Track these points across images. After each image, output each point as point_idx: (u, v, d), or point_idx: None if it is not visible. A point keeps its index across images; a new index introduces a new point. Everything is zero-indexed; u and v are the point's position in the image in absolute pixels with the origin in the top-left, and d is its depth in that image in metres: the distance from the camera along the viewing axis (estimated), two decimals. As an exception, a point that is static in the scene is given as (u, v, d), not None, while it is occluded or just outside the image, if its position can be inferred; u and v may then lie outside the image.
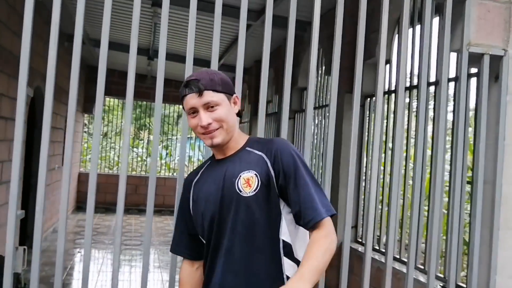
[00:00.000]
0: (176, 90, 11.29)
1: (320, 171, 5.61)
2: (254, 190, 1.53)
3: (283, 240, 1.56)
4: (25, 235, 6.13)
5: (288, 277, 1.55)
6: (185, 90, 1.57)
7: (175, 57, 7.59)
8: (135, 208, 10.41)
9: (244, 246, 1.54)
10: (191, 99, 1.55)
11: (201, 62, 6.67)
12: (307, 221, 1.50)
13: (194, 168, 2.00)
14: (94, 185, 1.97)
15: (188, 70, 2.17)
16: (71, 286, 5.36)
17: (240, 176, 1.55)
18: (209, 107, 1.55)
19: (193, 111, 1.57)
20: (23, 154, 4.48)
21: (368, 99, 4.54)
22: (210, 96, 1.55)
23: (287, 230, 1.56)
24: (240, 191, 1.54)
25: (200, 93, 1.54)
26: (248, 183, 1.55)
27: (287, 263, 1.56)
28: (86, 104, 10.64)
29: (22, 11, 1.93)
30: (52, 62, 1.94)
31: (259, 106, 2.27)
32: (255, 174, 1.55)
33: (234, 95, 1.64)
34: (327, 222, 1.50)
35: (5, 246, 1.86)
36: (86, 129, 12.35)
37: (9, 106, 5.13)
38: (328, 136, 2.28)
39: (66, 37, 7.33)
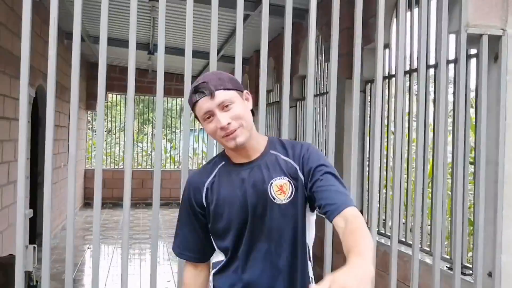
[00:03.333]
0: (178, 84, 11.34)
1: (324, 158, 5.63)
2: (289, 197, 1.52)
3: (307, 244, 1.59)
4: (35, 234, 6.20)
5: (311, 278, 1.60)
6: (195, 96, 1.48)
7: (175, 50, 7.59)
8: (142, 202, 10.49)
9: (281, 252, 1.54)
10: (204, 103, 1.47)
11: (201, 54, 6.67)
12: (334, 204, 1.40)
13: (201, 162, 1.91)
14: (100, 181, 2.00)
15: (188, 62, 2.18)
16: (82, 282, 5.43)
17: (272, 182, 1.52)
18: (224, 106, 1.46)
19: (209, 115, 1.48)
20: (28, 154, 4.52)
21: (369, 84, 4.54)
22: (223, 95, 1.46)
23: (309, 234, 1.59)
24: (274, 198, 1.51)
25: (212, 95, 1.45)
26: (282, 190, 1.52)
27: (310, 266, 1.61)
28: (89, 101, 10.68)
29: (20, 11, 1.94)
30: (53, 61, 1.96)
31: (259, 96, 2.29)
32: (289, 181, 1.52)
33: (245, 91, 1.57)
34: (355, 208, 1.42)
35: (15, 245, 1.89)
36: (90, 126, 12.40)
37: (12, 106, 5.17)
38: (329, 123, 2.30)
39: (65, 35, 7.35)
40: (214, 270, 1.63)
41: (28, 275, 4.86)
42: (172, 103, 12.89)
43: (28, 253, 1.88)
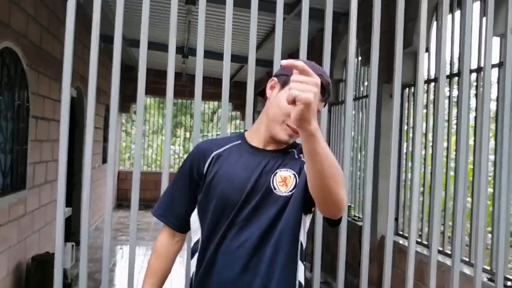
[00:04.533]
0: (210, 87, 11.40)
1: (359, 164, 5.55)
2: (290, 191, 1.46)
3: (301, 242, 1.50)
4: (69, 233, 6.33)
5: (300, 283, 1.50)
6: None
7: (208, 54, 7.64)
8: (173, 205, 10.56)
9: (267, 244, 1.46)
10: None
11: (234, 58, 6.68)
12: None
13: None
14: (138, 182, 2.01)
15: (226, 67, 2.18)
16: (114, 282, 5.49)
17: (276, 172, 1.48)
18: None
19: None
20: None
21: (406, 89, 4.45)
22: (323, 105, 1.50)
23: (303, 232, 1.51)
24: (275, 189, 1.46)
25: (325, 103, 1.50)
26: (285, 182, 1.47)
27: (300, 267, 1.51)
28: (123, 103, 10.86)
29: (61, 15, 1.99)
30: (94, 64, 1.99)
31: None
32: (294, 175, 1.48)
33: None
34: None
35: (55, 243, 1.92)
36: (124, 128, 12.61)
37: (51, 107, 5.29)
38: (369, 127, 2.25)
39: (102, 38, 7.49)
40: (196, 254, 1.55)
41: (63, 273, 4.95)
42: (204, 107, 12.99)
43: (67, 250, 1.90)
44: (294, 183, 1.47)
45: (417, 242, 4.07)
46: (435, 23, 4.06)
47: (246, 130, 1.64)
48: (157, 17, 6.60)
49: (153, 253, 1.64)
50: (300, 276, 1.50)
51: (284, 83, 1.47)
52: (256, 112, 11.05)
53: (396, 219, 4.45)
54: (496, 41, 3.06)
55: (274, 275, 1.45)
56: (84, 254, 1.94)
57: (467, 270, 3.32)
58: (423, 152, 4.00)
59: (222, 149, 1.56)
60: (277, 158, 1.52)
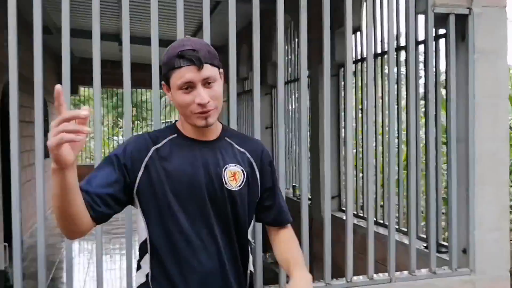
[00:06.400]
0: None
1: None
2: (239, 186, 1.50)
3: (249, 240, 1.57)
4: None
5: (251, 272, 1.59)
6: (179, 61, 1.37)
7: (147, 40, 7.46)
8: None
9: (224, 241, 1.49)
10: (189, 72, 1.36)
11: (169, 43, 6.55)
12: (280, 221, 1.63)
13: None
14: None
15: (154, 52, 2.15)
16: (62, 279, 5.35)
17: (226, 168, 1.49)
18: (206, 83, 1.39)
19: (188, 86, 1.38)
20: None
21: (342, 68, 4.55)
22: (209, 70, 1.39)
23: (251, 230, 1.60)
24: (226, 183, 1.48)
25: (200, 67, 1.36)
26: (234, 177, 1.49)
27: (250, 260, 1.59)
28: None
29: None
30: (13, 53, 1.91)
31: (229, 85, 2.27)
32: (242, 170, 1.51)
33: (221, 69, 1.47)
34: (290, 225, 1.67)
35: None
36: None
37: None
38: (301, 108, 2.30)
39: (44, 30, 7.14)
40: (147, 255, 1.47)
41: (4, 276, 4.76)
42: (147, 95, 12.76)
43: (-1, 252, 1.84)
44: (242, 178, 1.50)
45: (361, 217, 4.21)
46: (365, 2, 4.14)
47: (177, 121, 1.57)
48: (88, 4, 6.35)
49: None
50: (251, 266, 1.60)
51: (167, 82, 1.43)
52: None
53: (339, 196, 4.59)
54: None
55: (231, 272, 1.50)
56: (17, 255, 1.88)
57: (407, 241, 3.46)
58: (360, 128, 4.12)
59: (160, 144, 1.48)
60: (214, 149, 1.51)
